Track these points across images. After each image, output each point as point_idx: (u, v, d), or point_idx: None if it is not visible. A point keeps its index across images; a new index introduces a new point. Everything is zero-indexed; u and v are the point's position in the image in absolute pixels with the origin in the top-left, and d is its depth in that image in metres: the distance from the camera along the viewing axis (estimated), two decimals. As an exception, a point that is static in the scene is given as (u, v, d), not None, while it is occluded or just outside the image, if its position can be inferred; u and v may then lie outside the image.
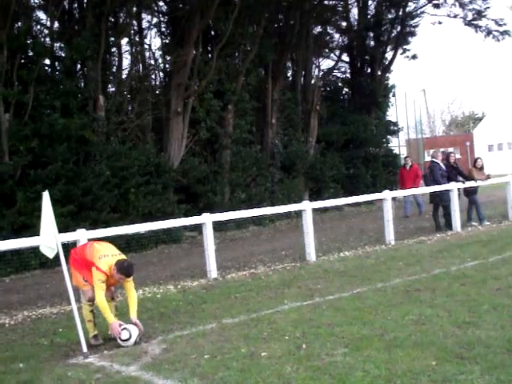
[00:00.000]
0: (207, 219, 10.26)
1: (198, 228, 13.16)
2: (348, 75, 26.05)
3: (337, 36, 25.78)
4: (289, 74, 23.29)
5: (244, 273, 10.24)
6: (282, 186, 19.82)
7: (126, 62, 17.43)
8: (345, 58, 25.75)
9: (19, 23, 14.05)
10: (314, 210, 11.68)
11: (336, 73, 26.20)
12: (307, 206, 11.49)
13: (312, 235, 11.19)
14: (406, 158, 19.88)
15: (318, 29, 24.43)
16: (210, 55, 18.07)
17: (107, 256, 6.43)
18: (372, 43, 25.26)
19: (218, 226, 13.20)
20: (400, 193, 15.83)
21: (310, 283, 8.89)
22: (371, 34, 24.96)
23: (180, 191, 16.68)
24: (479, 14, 23.84)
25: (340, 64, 25.79)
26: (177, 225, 11.58)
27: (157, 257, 13.41)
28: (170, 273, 10.92)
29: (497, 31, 23.96)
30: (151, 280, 10.19)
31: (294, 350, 5.59)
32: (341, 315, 6.76)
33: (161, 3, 19.08)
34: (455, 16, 24.40)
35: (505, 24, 23.88)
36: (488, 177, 14.73)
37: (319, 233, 11.86)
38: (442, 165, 14.11)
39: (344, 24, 25.33)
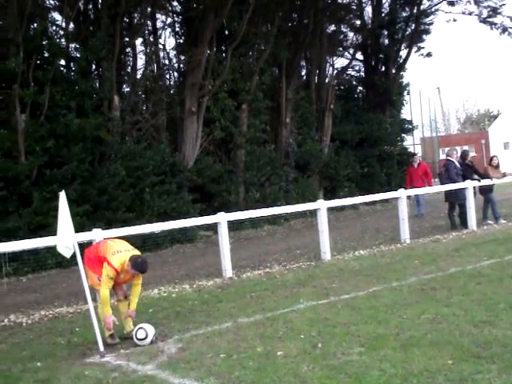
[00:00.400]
0: (222, 218, 10.28)
1: (212, 227, 13.20)
2: (362, 74, 25.96)
3: (351, 34, 25.71)
4: (303, 72, 23.27)
5: (259, 272, 10.25)
6: (296, 185, 19.80)
7: (141, 62, 17.47)
8: (359, 56, 25.67)
9: (35, 24, 14.17)
10: (329, 209, 11.66)
11: (350, 71, 26.13)
12: (322, 205, 11.47)
13: (327, 234, 11.17)
14: (413, 155, 19.34)
15: (332, 27, 24.36)
16: (224, 54, 18.10)
17: (120, 252, 6.46)
18: (386, 41, 25.15)
19: (233, 226, 13.21)
20: (415, 191, 15.58)
21: (325, 282, 8.88)
22: (385, 32, 24.85)
23: (195, 191, 16.73)
24: (494, 11, 23.65)
25: (354, 62, 25.68)
26: (192, 224, 11.64)
27: (172, 256, 13.46)
28: (185, 272, 10.96)
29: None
30: (167, 279, 10.24)
31: (309, 349, 5.59)
32: (356, 314, 6.75)
33: (175, 3, 19.16)
34: (470, 13, 24.21)
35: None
36: (504, 175, 14.65)
37: (334, 232, 11.85)
38: (457, 163, 14.02)
39: (358, 22, 25.23)
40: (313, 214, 14.24)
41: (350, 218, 18.67)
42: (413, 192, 15.43)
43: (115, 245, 6.61)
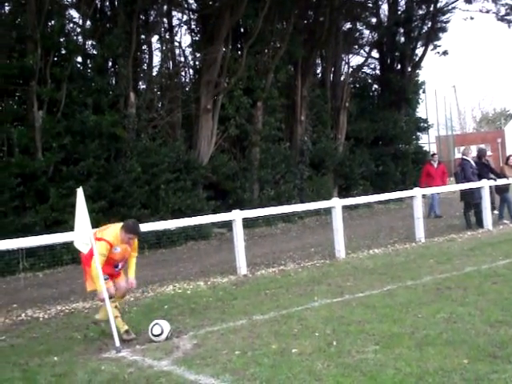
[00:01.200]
0: (237, 216, 10.31)
1: (226, 225, 13.23)
2: (377, 72, 25.85)
3: (366, 32, 25.57)
4: (318, 70, 23.21)
5: (273, 269, 10.28)
6: (310, 183, 19.78)
7: (157, 59, 17.52)
8: (374, 54, 25.56)
9: (52, 22, 14.26)
10: (343, 207, 11.65)
11: (365, 69, 26.02)
12: (337, 203, 11.46)
13: (341, 232, 11.17)
14: (433, 155, 18.97)
15: (348, 25, 24.28)
16: (239, 52, 18.11)
17: (109, 227, 6.64)
18: (402, 39, 25.01)
19: (247, 223, 13.24)
20: (430, 190, 15.39)
21: (339, 280, 8.88)
22: (401, 30, 24.70)
23: (209, 188, 16.78)
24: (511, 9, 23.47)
25: (369, 60, 25.58)
26: (207, 221, 11.70)
27: (186, 253, 13.52)
28: (199, 269, 11.01)
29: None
30: (181, 276, 10.29)
31: (324, 347, 5.60)
32: (371, 312, 6.75)
33: (191, 1, 19.18)
34: (488, 11, 24.01)
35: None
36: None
37: (348, 230, 11.84)
38: (472, 162, 13.94)
39: (374, 20, 25.12)
40: (327, 212, 14.22)
41: (364, 217, 18.64)
42: (429, 191, 15.25)
43: (104, 226, 6.79)
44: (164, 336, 6.29)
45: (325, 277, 9.30)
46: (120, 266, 6.76)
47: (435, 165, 17.35)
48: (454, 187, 14.83)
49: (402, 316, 6.51)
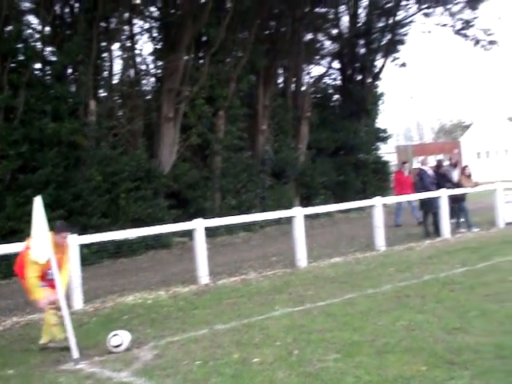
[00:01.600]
0: (198, 225, 10.26)
1: (188, 234, 13.15)
2: (339, 82, 26.16)
3: (328, 43, 25.88)
4: (280, 80, 23.35)
5: (235, 279, 10.25)
6: (272, 192, 19.83)
7: (118, 67, 17.37)
8: (336, 65, 25.87)
9: (10, 27, 14.01)
10: (305, 216, 11.71)
11: (327, 80, 26.30)
12: (298, 213, 11.52)
13: (303, 241, 11.22)
14: (404, 163, 18.62)
15: (310, 36, 24.50)
16: (201, 61, 18.08)
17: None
18: (362, 51, 25.40)
19: (209, 232, 13.18)
20: (391, 199, 15.62)
21: (300, 289, 8.91)
22: (362, 42, 25.10)
23: (171, 197, 16.66)
24: (468, 24, 24.10)
25: (331, 71, 25.89)
26: (168, 230, 11.60)
27: (147, 262, 13.38)
28: (160, 278, 10.90)
29: (485, 40, 24.24)
30: (142, 285, 10.17)
31: (285, 356, 5.61)
32: (332, 321, 6.79)
33: (152, 9, 19.09)
34: (444, 25, 24.63)
35: (492, 34, 24.21)
36: (476, 184, 14.86)
37: (310, 239, 11.90)
38: (430, 172, 14.22)
39: (335, 31, 25.44)
40: (289, 221, 14.27)
41: (325, 226, 18.75)
42: (388, 200, 15.46)
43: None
44: (124, 347, 6.20)
45: (286, 286, 9.31)
46: (51, 275, 6.49)
47: (406, 173, 17.41)
48: (412, 196, 15.06)
49: (363, 324, 6.56)
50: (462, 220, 14.64)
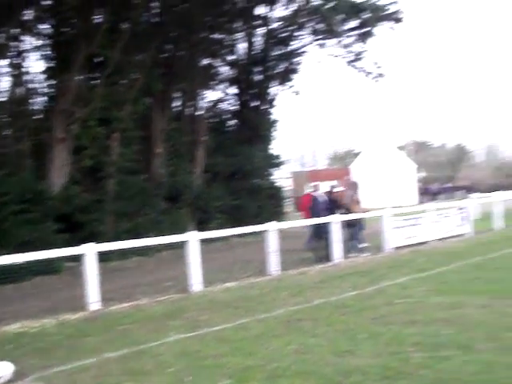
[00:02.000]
0: (89, 249, 9.95)
1: (79, 258, 12.70)
2: (236, 107, 26.52)
3: (225, 69, 26.24)
4: (177, 104, 23.33)
5: (127, 304, 9.99)
6: (167, 216, 19.64)
7: (6, 84, 16.64)
8: (233, 90, 26.25)
9: None
10: (201, 241, 11.67)
11: (224, 105, 26.60)
12: (192, 237, 11.46)
13: (197, 266, 11.15)
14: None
15: (207, 61, 24.74)
16: (96, 81, 17.72)
17: None
18: (259, 77, 25.95)
19: (101, 256, 12.80)
20: (285, 224, 15.84)
21: (194, 314, 8.82)
22: (258, 69, 25.67)
23: (62, 220, 16.06)
24: (358, 56, 25.38)
25: (228, 96, 26.22)
26: (56, 255, 11.13)
27: (35, 289, 12.77)
28: (48, 305, 10.42)
29: (374, 73, 25.63)
30: (26, 313, 9.65)
31: (177, 383, 5.50)
32: (225, 346, 6.76)
33: (44, 26, 18.50)
34: (337, 56, 25.80)
35: (380, 67, 25.66)
36: (365, 210, 15.47)
37: (204, 263, 11.85)
38: (322, 198, 14.67)
39: (232, 57, 25.85)
40: (184, 245, 14.17)
41: (221, 250, 18.75)
42: (283, 225, 15.63)
43: None
44: (4, 379, 5.84)
45: (180, 311, 9.19)
46: None
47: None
48: (306, 221, 15.40)
49: (255, 349, 6.58)
50: (356, 244, 15.12)
